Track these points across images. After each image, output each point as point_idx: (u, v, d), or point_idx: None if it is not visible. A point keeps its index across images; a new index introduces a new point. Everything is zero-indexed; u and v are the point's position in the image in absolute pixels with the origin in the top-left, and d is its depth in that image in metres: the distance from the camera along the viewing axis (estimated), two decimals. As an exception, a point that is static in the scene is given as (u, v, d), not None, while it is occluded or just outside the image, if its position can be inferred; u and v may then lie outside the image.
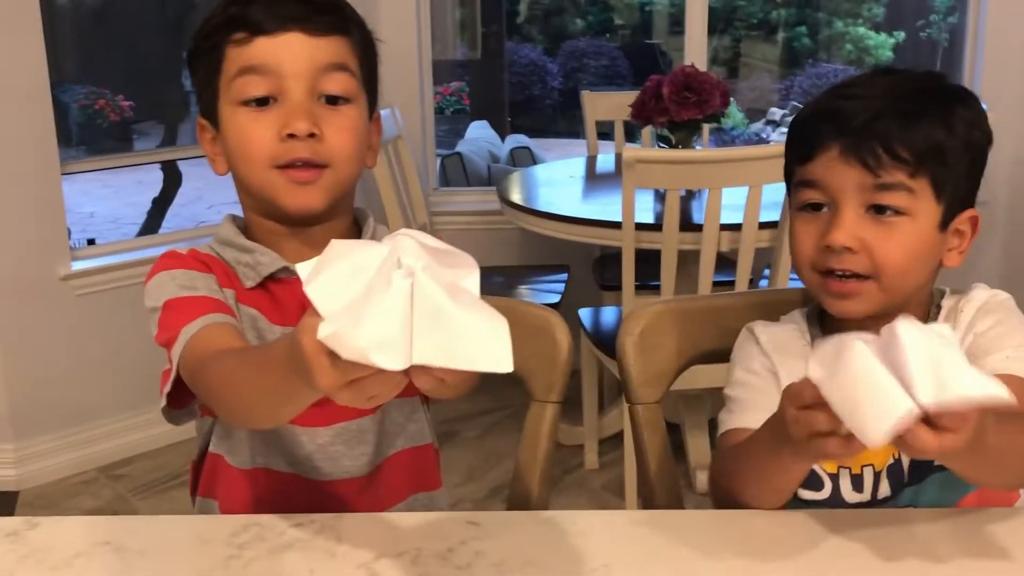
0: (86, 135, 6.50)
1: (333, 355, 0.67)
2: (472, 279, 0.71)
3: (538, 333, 1.22)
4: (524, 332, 1.22)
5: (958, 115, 1.03)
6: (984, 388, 0.74)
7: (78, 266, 2.90)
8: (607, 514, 0.99)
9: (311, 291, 0.68)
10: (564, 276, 3.18)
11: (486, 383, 1.07)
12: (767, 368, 1.11)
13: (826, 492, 1.07)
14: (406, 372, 0.68)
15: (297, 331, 0.70)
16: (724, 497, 1.05)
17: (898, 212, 1.01)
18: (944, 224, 1.05)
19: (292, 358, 0.71)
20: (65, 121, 2.84)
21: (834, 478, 1.08)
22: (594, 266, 3.23)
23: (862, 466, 1.07)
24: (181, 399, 1.02)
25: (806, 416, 0.81)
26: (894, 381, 0.74)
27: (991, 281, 1.12)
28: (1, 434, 2.82)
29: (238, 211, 1.15)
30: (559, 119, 8.93)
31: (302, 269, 0.70)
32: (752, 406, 1.08)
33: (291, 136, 1.02)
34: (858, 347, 0.76)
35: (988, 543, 0.91)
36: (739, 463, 1.02)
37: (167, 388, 1.00)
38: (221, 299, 1.05)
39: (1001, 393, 0.74)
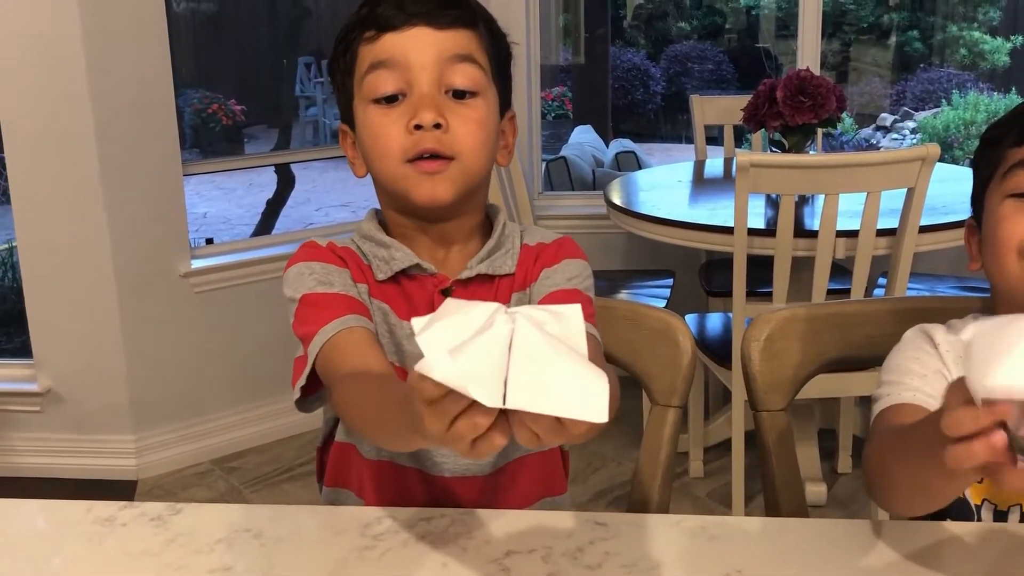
0: (199, 138, 6.72)
1: (438, 403, 0.67)
2: (577, 332, 0.70)
3: (660, 337, 1.21)
4: (646, 335, 1.22)
5: None
6: None
7: (197, 264, 3.00)
8: (736, 520, 0.98)
9: (422, 340, 0.68)
10: (670, 281, 3.16)
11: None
12: (938, 371, 1.02)
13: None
14: (505, 424, 0.68)
15: (408, 385, 0.71)
16: (878, 483, 0.97)
17: None
18: None
19: (406, 409, 0.72)
20: (179, 125, 2.93)
21: (977, 509, 1.03)
22: (701, 272, 3.20)
23: (1009, 506, 1.03)
24: (312, 386, 1.04)
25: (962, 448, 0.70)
26: None
27: None
28: (122, 425, 2.94)
29: (348, 214, 1.18)
30: (662, 123, 8.87)
31: (416, 323, 0.69)
32: (912, 387, 1.00)
33: (418, 128, 1.03)
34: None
35: None
36: (894, 450, 0.92)
37: (301, 381, 1.03)
38: (356, 295, 1.08)
39: None
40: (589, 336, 1.03)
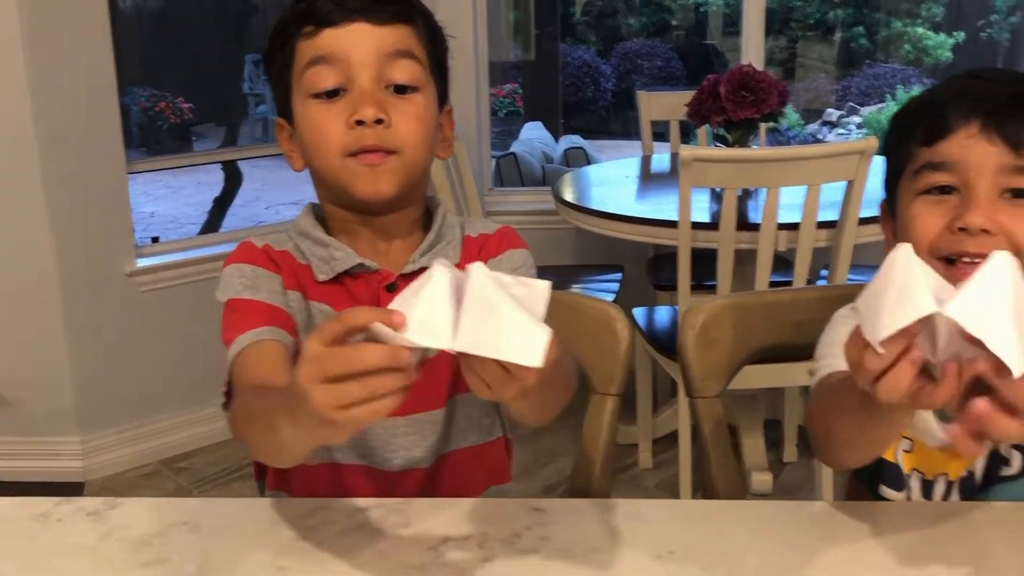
0: (147, 136, 6.64)
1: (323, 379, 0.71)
2: (540, 302, 0.75)
3: (598, 326, 1.23)
4: (584, 325, 1.24)
5: None
6: (1007, 351, 0.68)
7: (143, 263, 2.97)
8: (671, 503, 1.00)
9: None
10: (618, 276, 3.19)
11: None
12: None
13: (904, 495, 1.07)
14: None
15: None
16: (822, 439, 1.00)
17: None
18: None
19: (292, 394, 0.74)
20: (126, 123, 2.90)
21: (907, 479, 1.07)
22: (648, 266, 3.23)
23: (936, 474, 1.06)
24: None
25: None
26: (927, 288, 0.70)
27: None
28: (68, 426, 2.90)
29: (298, 211, 1.18)
30: (612, 120, 8.92)
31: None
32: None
33: (359, 123, 1.04)
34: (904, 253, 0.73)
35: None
36: (834, 407, 0.95)
37: (224, 387, 1.04)
38: (282, 303, 1.08)
39: (1011, 367, 0.69)
40: None
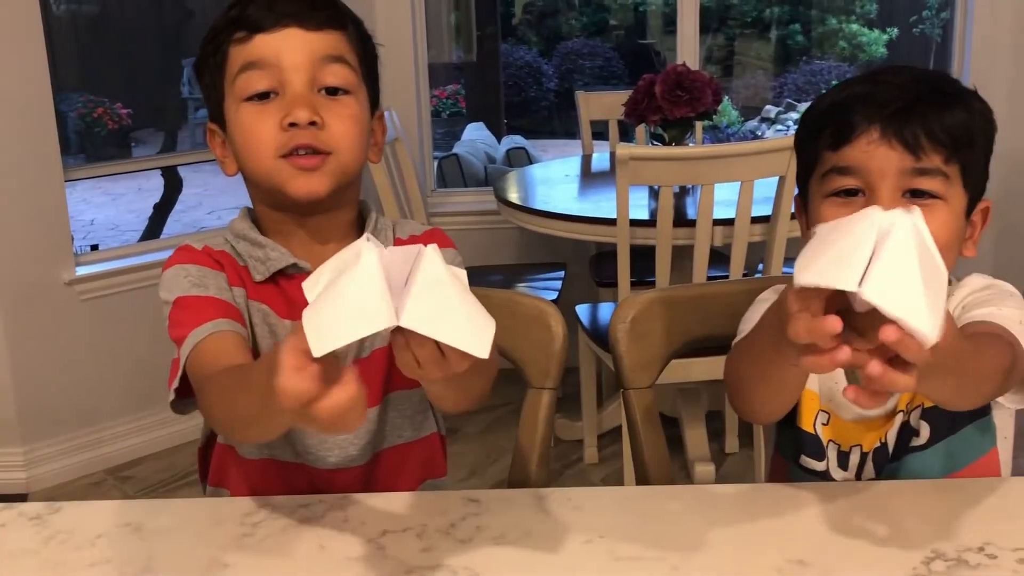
0: (85, 143, 6.54)
1: (302, 363, 0.72)
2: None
3: (533, 322, 1.26)
4: (520, 322, 1.27)
5: (976, 106, 1.06)
6: (919, 324, 0.71)
7: (82, 271, 2.95)
8: (600, 490, 1.04)
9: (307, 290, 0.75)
10: (561, 273, 3.23)
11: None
12: None
13: (824, 464, 1.12)
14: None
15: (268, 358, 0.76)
16: (737, 390, 1.04)
17: (934, 197, 1.02)
18: (968, 212, 1.08)
19: (269, 372, 0.75)
20: (63, 129, 2.87)
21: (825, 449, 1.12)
22: (591, 263, 3.28)
23: (851, 445, 1.12)
24: (187, 389, 1.06)
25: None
26: (864, 262, 0.72)
27: (984, 267, 1.16)
28: (9, 438, 2.87)
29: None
30: (555, 120, 8.97)
31: (307, 286, 0.76)
32: None
33: (292, 125, 1.06)
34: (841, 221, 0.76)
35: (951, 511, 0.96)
36: (747, 353, 1.01)
37: (175, 383, 1.05)
38: (230, 299, 1.10)
39: (924, 336, 0.72)
40: None
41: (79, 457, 2.98)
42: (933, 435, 1.10)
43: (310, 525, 0.95)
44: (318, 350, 0.70)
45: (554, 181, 3.38)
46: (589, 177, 3.46)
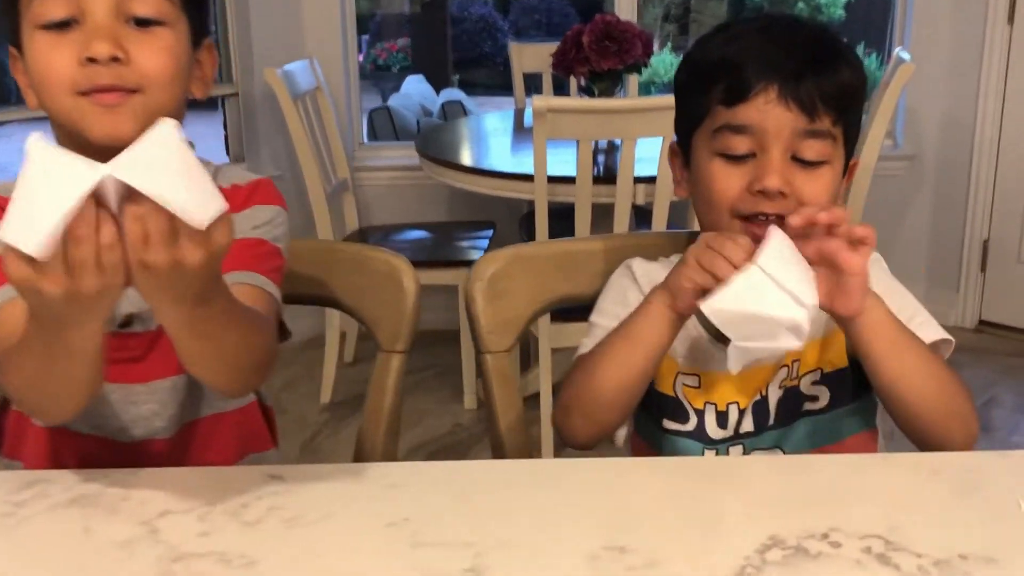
0: None
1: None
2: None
3: (385, 280, 1.16)
4: (370, 279, 1.17)
5: (857, 64, 1.05)
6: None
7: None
8: (419, 465, 0.94)
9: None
10: (489, 232, 3.12)
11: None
12: (637, 301, 1.05)
13: (691, 425, 1.08)
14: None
15: None
16: (574, 416, 1.04)
17: (822, 160, 1.01)
18: (845, 171, 1.06)
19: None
20: None
21: (700, 413, 1.08)
22: (521, 222, 3.17)
23: (728, 403, 1.07)
24: None
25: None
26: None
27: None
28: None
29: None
30: (508, 75, 8.83)
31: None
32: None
33: (92, 60, 0.94)
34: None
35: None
36: (596, 359, 1.02)
37: None
38: None
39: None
40: (265, 294, 0.96)
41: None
42: (834, 401, 1.07)
43: (83, 504, 0.84)
44: (32, 246, 0.67)
45: (486, 135, 3.26)
46: (521, 132, 3.34)
